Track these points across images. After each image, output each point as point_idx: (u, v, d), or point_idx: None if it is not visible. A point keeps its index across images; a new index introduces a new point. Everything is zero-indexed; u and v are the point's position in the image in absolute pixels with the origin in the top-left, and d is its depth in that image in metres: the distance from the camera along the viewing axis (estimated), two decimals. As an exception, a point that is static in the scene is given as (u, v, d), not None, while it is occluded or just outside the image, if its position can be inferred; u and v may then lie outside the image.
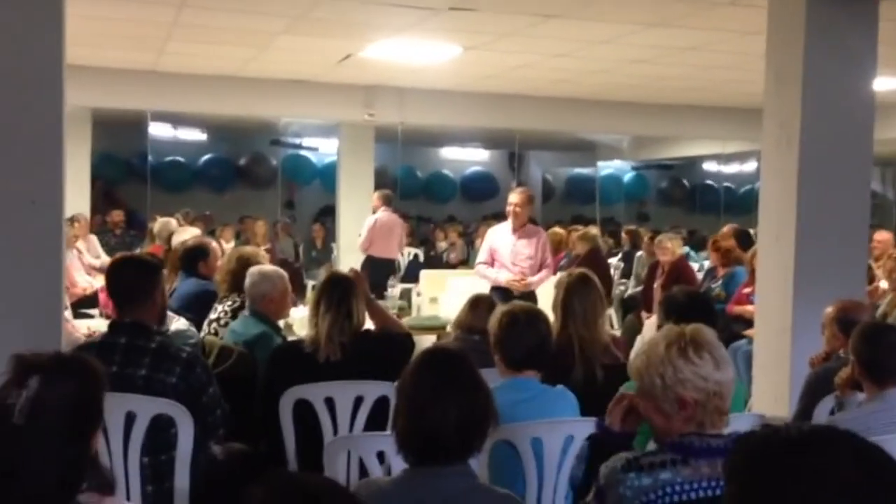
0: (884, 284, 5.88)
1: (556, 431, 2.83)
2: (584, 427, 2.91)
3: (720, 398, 2.00)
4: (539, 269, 6.34)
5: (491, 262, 6.38)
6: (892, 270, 5.26)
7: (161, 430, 3.00)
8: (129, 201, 13.34)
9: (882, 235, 7.33)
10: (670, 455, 1.97)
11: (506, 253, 6.31)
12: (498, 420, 2.07)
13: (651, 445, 2.15)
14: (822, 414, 3.26)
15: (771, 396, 4.25)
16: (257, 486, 0.98)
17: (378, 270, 8.65)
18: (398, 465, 2.67)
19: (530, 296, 5.94)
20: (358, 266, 9.33)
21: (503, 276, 6.22)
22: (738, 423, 2.92)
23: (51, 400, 1.63)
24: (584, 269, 4.00)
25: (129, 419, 2.93)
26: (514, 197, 6.43)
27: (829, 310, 3.59)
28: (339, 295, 3.52)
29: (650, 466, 1.95)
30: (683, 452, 1.96)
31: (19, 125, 3.26)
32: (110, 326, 3.13)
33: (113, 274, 3.21)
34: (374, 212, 9.71)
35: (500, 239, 6.39)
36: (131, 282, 3.10)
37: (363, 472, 2.95)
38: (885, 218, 13.99)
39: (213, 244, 6.50)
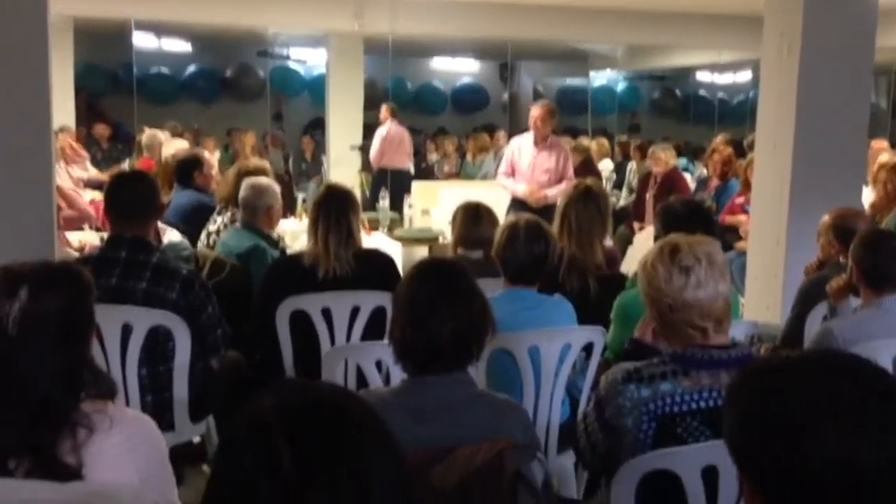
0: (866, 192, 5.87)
1: (554, 340, 2.85)
2: (581, 335, 2.94)
3: (715, 309, 1.98)
4: (559, 183, 6.29)
5: (511, 173, 6.38)
6: (885, 182, 5.23)
7: (158, 343, 3.01)
8: (114, 114, 13.12)
9: (879, 144, 7.29)
10: (671, 366, 1.97)
11: (525, 165, 6.30)
12: (496, 329, 2.06)
13: None
14: (815, 321, 3.29)
15: (763, 304, 4.28)
16: (266, 393, 0.96)
17: (392, 181, 8.72)
18: (397, 373, 2.69)
19: (548, 209, 5.91)
20: (370, 179, 9.52)
21: (521, 189, 6.21)
22: (734, 330, 2.97)
23: (41, 309, 1.63)
24: (588, 182, 3.94)
25: (126, 331, 2.93)
26: (535, 111, 6.41)
27: (826, 217, 3.59)
28: (338, 209, 3.46)
29: (650, 378, 1.95)
30: (685, 364, 1.96)
31: (3, 35, 3.16)
32: (109, 240, 3.10)
33: (112, 190, 3.17)
34: (381, 124, 9.72)
35: (521, 150, 6.37)
36: (132, 198, 3.06)
37: (361, 381, 2.98)
38: (877, 128, 13.90)
39: (207, 155, 6.44)
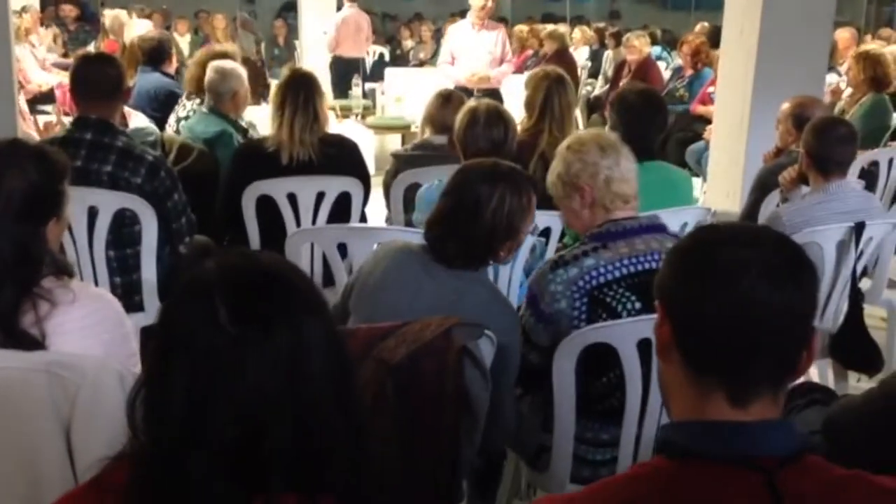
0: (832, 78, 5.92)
1: (511, 224, 2.92)
2: (539, 221, 3.00)
3: (615, 182, 2.14)
4: (500, 64, 6.29)
5: (452, 62, 6.32)
6: (854, 71, 5.26)
7: (125, 226, 3.05)
8: (81, -6, 12.73)
9: (843, 34, 7.26)
10: (591, 244, 2.11)
11: (466, 49, 6.24)
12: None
13: None
14: (769, 207, 3.38)
15: (723, 192, 4.37)
16: (210, 259, 1.04)
17: (347, 70, 8.49)
18: (358, 257, 2.77)
19: (494, 93, 5.92)
20: (325, 67, 9.18)
21: (462, 75, 6.17)
22: (686, 215, 3.06)
23: (4, 181, 1.67)
24: (559, 69, 3.97)
25: (92, 213, 2.97)
26: None
27: (786, 105, 3.64)
28: (304, 93, 3.45)
29: (574, 259, 2.09)
30: (601, 239, 2.11)
31: None
32: (75, 122, 3.10)
33: (78, 71, 3.14)
34: (338, 9, 9.39)
35: (460, 36, 6.31)
36: (98, 79, 3.04)
37: (326, 266, 3.06)
38: (855, 13, 13.77)
39: (177, 38, 6.32)
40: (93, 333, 1.72)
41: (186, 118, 4.42)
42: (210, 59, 4.50)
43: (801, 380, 2.69)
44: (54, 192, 1.79)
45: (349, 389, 1.06)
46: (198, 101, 4.46)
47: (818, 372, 3.28)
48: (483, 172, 2.07)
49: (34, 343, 1.66)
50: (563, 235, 3.10)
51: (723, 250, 1.11)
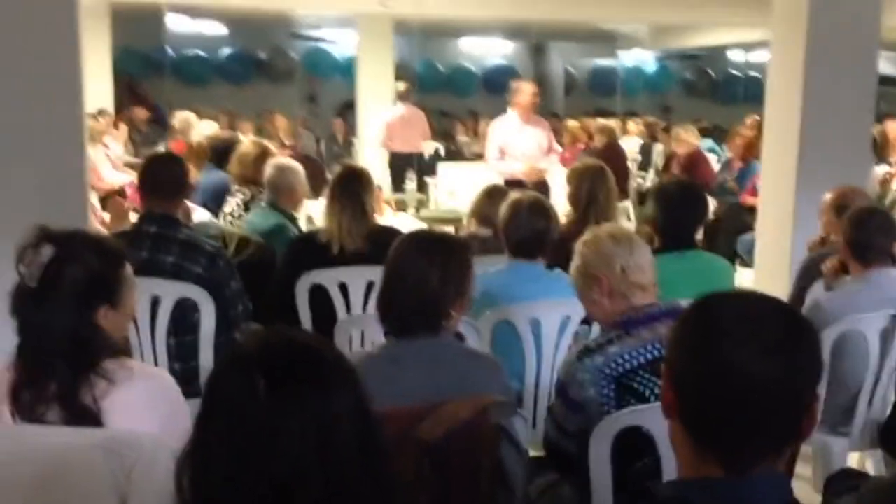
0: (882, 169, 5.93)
1: (553, 311, 3.00)
2: (580, 307, 3.07)
3: (631, 272, 2.21)
4: (547, 156, 6.47)
5: (501, 156, 6.44)
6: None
7: (185, 313, 3.21)
8: (153, 96, 13.39)
9: (893, 125, 7.29)
10: (614, 333, 2.18)
11: (517, 143, 6.36)
12: (470, 304, 2.19)
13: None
14: (813, 296, 3.39)
15: (771, 280, 4.39)
16: (251, 335, 1.15)
17: (403, 166, 8.72)
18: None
19: (543, 185, 6.05)
20: (383, 162, 9.48)
21: (518, 167, 6.31)
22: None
23: (60, 269, 1.80)
24: (599, 161, 4.13)
25: (155, 302, 3.14)
26: (528, 87, 6.47)
27: (827, 196, 3.69)
28: (353, 188, 3.63)
29: (599, 347, 2.15)
30: (624, 327, 2.17)
31: (33, 17, 3.36)
32: (141, 217, 3.31)
33: (146, 169, 3.38)
34: (400, 101, 9.69)
35: (508, 131, 6.42)
36: (163, 177, 3.27)
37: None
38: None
39: (242, 138, 6.64)
40: (150, 412, 1.83)
41: (231, 213, 4.64)
42: (247, 157, 4.74)
43: (842, 468, 2.67)
44: (105, 279, 1.88)
45: (378, 458, 1.14)
46: (241, 195, 4.67)
47: (873, 464, 3.23)
48: (411, 244, 2.16)
49: (93, 419, 1.78)
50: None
51: (719, 323, 1.18)
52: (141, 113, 12.13)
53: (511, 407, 1.95)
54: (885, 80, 7.04)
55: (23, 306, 1.80)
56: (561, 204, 3.89)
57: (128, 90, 13.13)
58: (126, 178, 7.92)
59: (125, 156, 9.57)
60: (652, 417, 2.03)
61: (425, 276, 2.04)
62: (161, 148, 9.30)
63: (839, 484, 2.06)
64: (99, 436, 1.73)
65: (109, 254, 1.90)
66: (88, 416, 1.77)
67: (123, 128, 10.30)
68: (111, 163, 8.57)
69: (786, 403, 1.16)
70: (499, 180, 5.71)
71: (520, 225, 3.09)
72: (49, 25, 3.36)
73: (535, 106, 6.45)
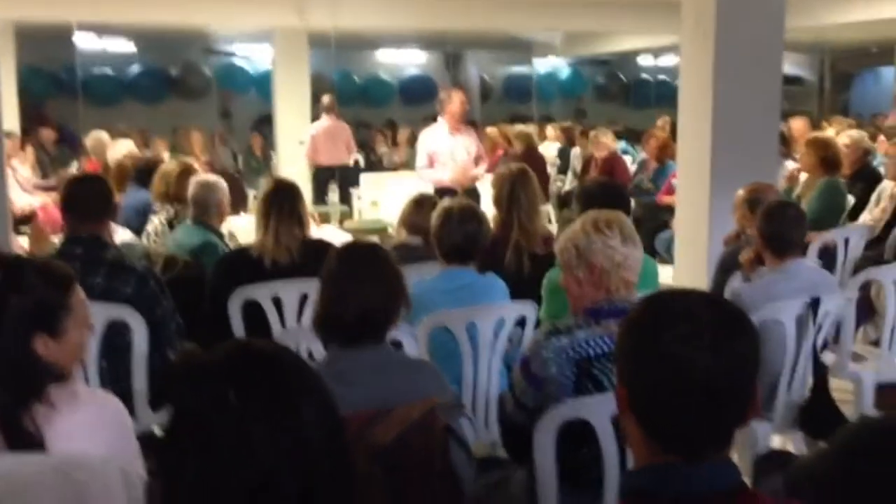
0: (789, 165, 6.23)
1: (488, 315, 3.07)
2: (514, 310, 3.16)
3: (625, 269, 2.28)
4: (476, 164, 6.53)
5: (430, 165, 6.47)
6: (805, 156, 5.55)
7: (117, 335, 3.16)
8: (59, 117, 13.05)
9: (798, 123, 7.65)
10: (584, 319, 2.25)
11: (448, 151, 6.40)
12: (409, 307, 2.23)
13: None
14: (731, 288, 3.55)
15: (690, 274, 4.56)
16: (214, 349, 1.17)
17: (326, 178, 8.72)
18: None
19: (473, 192, 6.13)
20: (302, 176, 9.44)
21: (447, 176, 6.36)
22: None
23: (6, 298, 1.78)
24: (522, 164, 4.22)
25: (85, 325, 3.08)
26: (460, 96, 6.51)
27: (740, 192, 3.87)
28: (288, 201, 3.63)
29: (567, 329, 2.23)
30: (595, 315, 2.25)
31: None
32: (66, 239, 3.25)
33: (69, 190, 3.32)
34: (312, 121, 9.69)
35: (437, 140, 6.46)
36: (88, 198, 3.21)
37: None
38: (807, 102, 14.36)
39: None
40: (94, 435, 1.80)
41: (155, 232, 4.58)
42: (169, 174, 4.70)
43: (768, 449, 2.81)
44: (50, 307, 1.85)
45: (346, 459, 1.18)
46: (163, 214, 4.62)
47: (794, 445, 3.38)
48: (349, 256, 2.20)
49: (36, 447, 1.75)
50: (538, 324, 3.24)
51: (663, 320, 1.25)
52: (48, 134, 11.80)
53: (458, 408, 2.00)
54: (787, 80, 7.37)
55: None
56: (491, 210, 3.97)
57: (30, 111, 12.76)
58: (36, 201, 7.71)
59: (33, 178, 9.30)
60: (594, 409, 2.12)
61: (370, 287, 2.08)
62: (73, 169, 9.08)
63: (767, 464, 2.17)
64: (47, 460, 1.71)
65: (58, 280, 1.88)
66: (31, 444, 1.75)
67: (30, 150, 10.00)
68: (20, 185, 8.32)
69: (730, 393, 1.23)
70: (426, 189, 5.76)
71: (451, 231, 3.15)
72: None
73: (465, 114, 6.51)
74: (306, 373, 1.18)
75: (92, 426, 1.81)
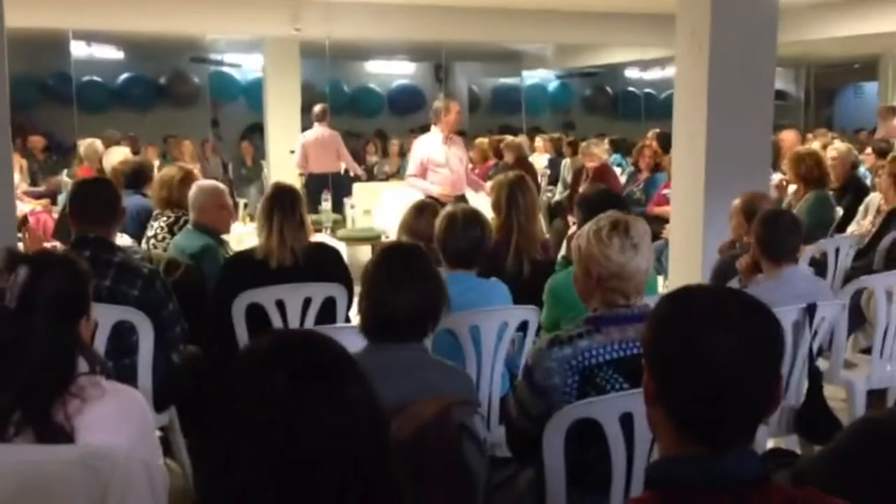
0: (776, 176, 6.33)
1: (492, 319, 3.12)
2: (517, 314, 3.21)
3: (619, 279, 2.30)
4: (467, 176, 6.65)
5: (422, 174, 6.52)
6: (792, 169, 5.65)
7: (123, 336, 3.19)
8: (46, 124, 13.01)
9: (786, 135, 7.77)
10: (585, 327, 2.29)
11: (442, 160, 6.46)
12: (450, 307, 2.31)
13: None
14: (728, 295, 3.61)
15: (683, 283, 4.62)
16: (262, 337, 1.21)
17: (318, 187, 8.75)
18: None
19: (461, 200, 6.20)
20: (298, 185, 9.43)
21: (434, 188, 6.40)
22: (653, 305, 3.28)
23: (39, 286, 1.83)
24: (519, 171, 4.30)
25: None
26: (455, 107, 6.59)
27: (736, 201, 3.94)
28: (290, 203, 3.67)
29: (569, 339, 2.26)
30: (596, 324, 2.29)
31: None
32: (75, 242, 3.28)
33: (77, 193, 3.36)
34: (302, 130, 9.70)
35: (432, 149, 6.52)
36: (95, 201, 3.25)
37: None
38: (792, 116, 14.54)
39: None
40: (121, 427, 1.85)
41: (154, 236, 4.62)
42: (170, 180, 4.74)
43: (771, 446, 2.86)
44: (82, 293, 1.95)
45: (387, 445, 1.22)
46: (164, 219, 4.65)
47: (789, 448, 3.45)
48: (396, 256, 2.26)
49: (65, 438, 1.79)
50: (539, 329, 3.30)
51: (693, 314, 1.31)
52: (37, 141, 11.78)
53: (472, 406, 2.05)
54: (776, 94, 7.49)
55: (3, 327, 1.80)
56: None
57: (19, 119, 12.72)
58: (27, 208, 7.71)
59: (23, 185, 9.29)
60: (602, 409, 2.17)
61: (418, 286, 2.15)
62: (63, 176, 9.08)
63: (770, 462, 2.23)
64: (74, 451, 1.74)
65: (78, 269, 1.93)
66: (60, 434, 1.78)
67: (18, 157, 9.98)
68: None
69: (757, 384, 1.29)
70: (419, 198, 5.81)
71: (456, 236, 3.20)
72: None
73: (460, 124, 6.60)
74: (353, 363, 1.23)
75: (117, 419, 1.85)
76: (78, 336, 1.90)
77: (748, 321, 1.30)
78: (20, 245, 5.58)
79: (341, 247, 6.93)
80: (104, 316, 3.11)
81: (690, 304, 1.34)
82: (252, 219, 7.32)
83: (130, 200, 5.34)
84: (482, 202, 5.33)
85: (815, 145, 7.56)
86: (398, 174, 11.64)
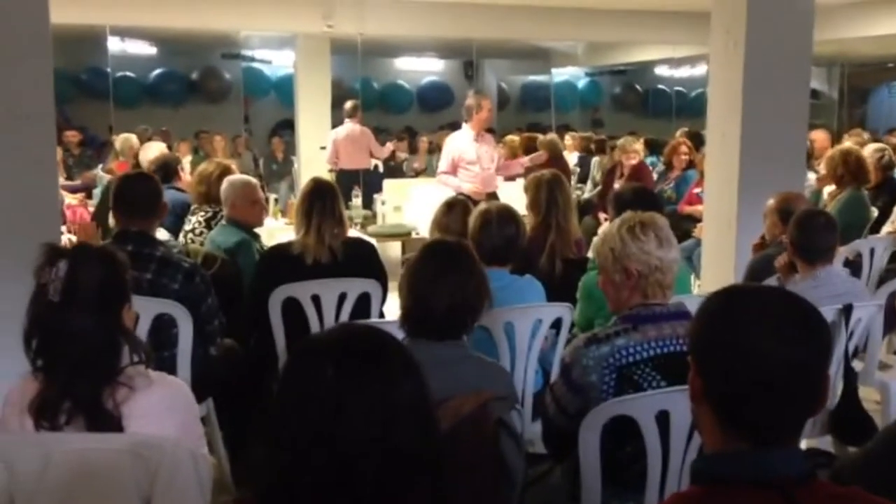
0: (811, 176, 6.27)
1: (526, 316, 3.14)
2: (551, 312, 3.23)
3: (661, 272, 2.34)
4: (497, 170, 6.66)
5: (453, 171, 6.52)
6: (829, 168, 5.61)
7: (163, 329, 3.25)
8: (80, 119, 13.18)
9: (819, 135, 7.70)
10: (622, 325, 2.31)
11: (473, 157, 6.45)
12: (492, 304, 2.33)
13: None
14: (762, 295, 3.60)
15: (717, 283, 4.61)
16: (322, 331, 1.26)
17: (349, 183, 8.79)
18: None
19: (493, 196, 6.21)
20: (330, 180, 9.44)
21: (466, 186, 6.39)
22: (687, 304, 3.28)
23: (79, 278, 1.89)
24: (554, 170, 4.31)
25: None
26: (487, 104, 6.54)
27: (771, 201, 3.92)
28: (329, 199, 3.71)
29: (606, 338, 2.28)
30: (633, 321, 2.30)
31: (10, 42, 3.38)
32: (117, 235, 3.34)
33: (119, 188, 3.41)
34: (332, 126, 9.76)
35: (463, 146, 6.51)
36: (138, 195, 3.31)
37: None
38: (826, 115, 14.38)
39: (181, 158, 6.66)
40: (168, 416, 1.90)
41: (193, 231, 4.68)
42: (210, 173, 4.79)
43: (806, 446, 2.86)
44: (121, 281, 2.01)
45: (434, 442, 1.26)
46: (202, 213, 4.71)
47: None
48: (439, 253, 2.30)
49: (114, 425, 1.85)
50: (572, 326, 3.31)
51: (742, 313, 1.32)
52: (72, 136, 11.94)
53: (509, 402, 2.07)
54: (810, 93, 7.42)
55: (49, 319, 1.86)
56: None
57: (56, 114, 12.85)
58: (64, 201, 7.81)
59: (60, 179, 9.40)
60: (639, 406, 2.18)
61: (459, 282, 2.18)
62: (99, 171, 9.21)
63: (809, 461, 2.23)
64: (123, 440, 1.80)
65: (116, 259, 1.99)
66: (110, 422, 1.83)
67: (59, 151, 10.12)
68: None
69: (805, 383, 1.30)
70: (450, 194, 5.83)
71: (491, 234, 3.23)
72: (24, 52, 3.37)
73: (490, 121, 6.59)
74: (407, 360, 1.27)
75: (164, 408, 1.90)
76: (121, 323, 1.95)
77: (796, 319, 1.31)
78: (66, 239, 5.67)
79: (371, 242, 7.00)
80: (145, 309, 3.17)
81: (738, 302, 1.35)
82: (283, 214, 7.40)
83: (167, 195, 5.43)
84: (513, 197, 5.34)
85: (849, 145, 7.50)
86: (426, 171, 11.68)
